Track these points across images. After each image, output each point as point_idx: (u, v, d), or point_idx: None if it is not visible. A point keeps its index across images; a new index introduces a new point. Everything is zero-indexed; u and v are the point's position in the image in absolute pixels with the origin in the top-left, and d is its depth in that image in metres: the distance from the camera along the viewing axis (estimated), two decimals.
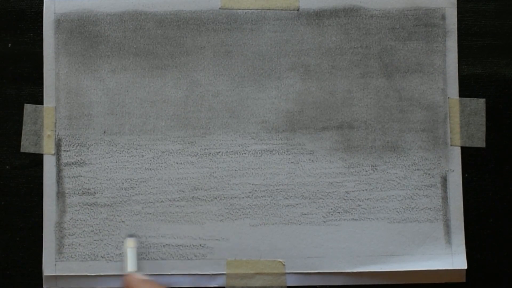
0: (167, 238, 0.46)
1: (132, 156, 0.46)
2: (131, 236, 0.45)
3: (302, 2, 0.46)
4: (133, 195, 0.46)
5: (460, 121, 0.46)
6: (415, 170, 0.46)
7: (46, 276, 0.46)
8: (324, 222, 0.46)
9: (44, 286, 0.46)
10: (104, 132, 0.46)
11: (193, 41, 0.46)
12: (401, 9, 0.46)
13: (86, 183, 0.46)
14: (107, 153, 0.46)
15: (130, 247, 0.45)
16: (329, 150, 0.46)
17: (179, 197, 0.46)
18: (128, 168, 0.46)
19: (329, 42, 0.46)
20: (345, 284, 0.45)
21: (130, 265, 0.44)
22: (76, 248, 0.46)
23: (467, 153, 0.46)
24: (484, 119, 0.46)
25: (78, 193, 0.46)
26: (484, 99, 0.46)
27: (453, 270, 0.45)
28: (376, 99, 0.46)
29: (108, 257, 0.46)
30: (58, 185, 0.46)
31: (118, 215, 0.46)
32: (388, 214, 0.46)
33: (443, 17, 0.46)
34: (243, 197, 0.46)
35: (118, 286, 0.45)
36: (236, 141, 0.46)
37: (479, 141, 0.46)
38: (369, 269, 0.45)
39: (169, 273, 0.45)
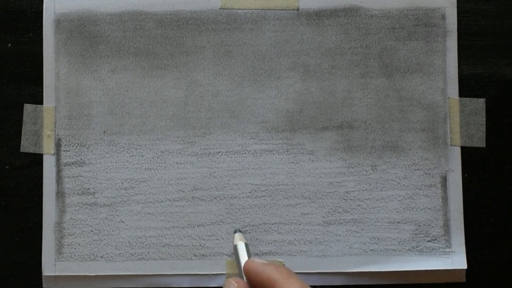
0: (167, 238, 0.46)
1: (132, 156, 0.46)
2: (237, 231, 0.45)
3: (302, 2, 0.46)
4: (133, 195, 0.46)
5: (460, 121, 0.46)
6: (415, 170, 0.46)
7: (45, 276, 0.45)
8: (324, 222, 0.46)
9: (43, 286, 0.46)
10: (104, 132, 0.46)
11: (193, 41, 0.46)
12: (401, 9, 0.46)
13: (85, 183, 0.46)
14: (107, 153, 0.46)
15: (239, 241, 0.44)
16: (329, 150, 0.46)
17: (179, 197, 0.46)
18: (128, 168, 0.46)
19: (329, 42, 0.46)
20: (345, 284, 0.45)
21: (243, 256, 0.42)
22: (75, 248, 0.46)
23: (467, 153, 0.46)
24: (484, 119, 0.46)
25: (78, 193, 0.46)
26: (484, 99, 0.46)
27: (453, 270, 0.45)
28: (376, 99, 0.46)
29: (107, 257, 0.45)
30: (57, 185, 0.46)
31: (117, 215, 0.46)
32: (388, 214, 0.46)
33: (443, 17, 0.46)
34: (243, 197, 0.46)
35: (118, 286, 0.45)
36: (236, 141, 0.46)
37: (479, 141, 0.46)
38: (369, 269, 0.45)
39: (169, 273, 0.45)
